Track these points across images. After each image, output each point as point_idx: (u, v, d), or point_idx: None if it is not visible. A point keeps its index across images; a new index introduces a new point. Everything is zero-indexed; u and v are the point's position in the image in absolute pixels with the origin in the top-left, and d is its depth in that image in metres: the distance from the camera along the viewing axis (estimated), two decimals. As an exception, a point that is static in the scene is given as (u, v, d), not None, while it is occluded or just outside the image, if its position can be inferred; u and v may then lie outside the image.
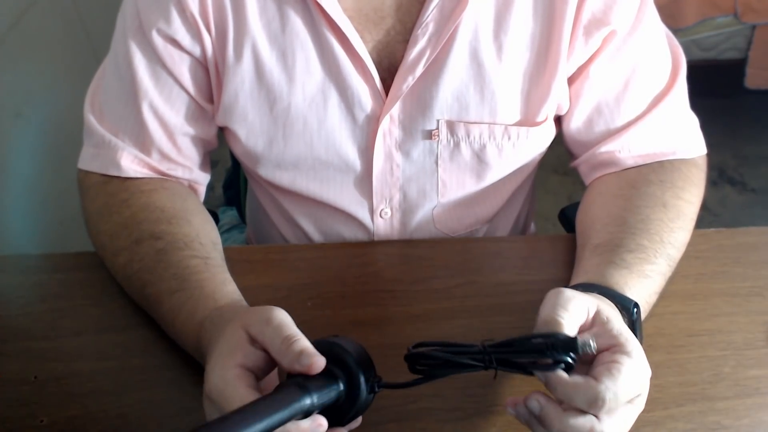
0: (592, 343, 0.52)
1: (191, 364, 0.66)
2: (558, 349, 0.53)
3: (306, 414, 0.51)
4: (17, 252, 1.05)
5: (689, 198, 0.78)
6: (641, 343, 0.60)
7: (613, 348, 0.55)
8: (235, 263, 0.72)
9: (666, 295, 0.71)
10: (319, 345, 0.53)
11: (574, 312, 0.55)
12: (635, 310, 0.64)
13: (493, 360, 0.53)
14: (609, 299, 0.63)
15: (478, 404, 0.64)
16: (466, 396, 0.64)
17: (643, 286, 0.68)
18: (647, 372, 0.55)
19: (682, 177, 0.79)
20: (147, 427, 0.62)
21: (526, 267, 0.80)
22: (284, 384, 0.52)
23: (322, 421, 0.51)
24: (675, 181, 0.78)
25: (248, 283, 0.69)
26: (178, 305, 0.66)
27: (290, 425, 0.50)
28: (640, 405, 0.55)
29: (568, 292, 0.57)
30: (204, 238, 0.73)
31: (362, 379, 0.54)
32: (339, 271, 0.79)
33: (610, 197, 0.79)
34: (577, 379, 0.53)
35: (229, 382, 0.52)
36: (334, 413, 0.54)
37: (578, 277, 0.70)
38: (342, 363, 0.54)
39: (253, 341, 0.55)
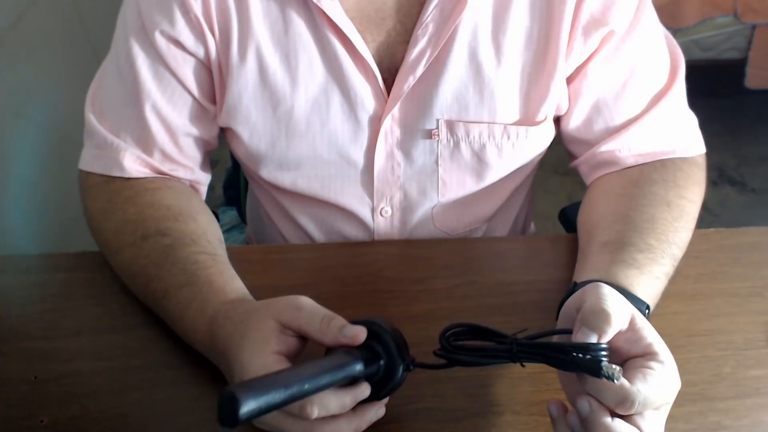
0: (617, 375, 0.52)
1: (191, 363, 0.66)
2: (581, 367, 0.53)
3: (352, 381, 0.54)
4: (17, 252, 1.05)
5: (691, 197, 0.78)
6: None
7: (647, 355, 0.56)
8: (235, 263, 0.72)
9: (666, 295, 0.70)
10: (357, 323, 0.56)
11: (618, 304, 0.56)
12: (647, 311, 0.65)
13: (520, 357, 0.56)
14: None
15: (478, 404, 0.64)
16: (466, 396, 0.64)
17: (652, 287, 0.68)
18: (677, 382, 0.56)
19: (684, 176, 0.79)
20: (147, 427, 0.62)
21: (526, 267, 0.80)
22: (333, 351, 0.55)
23: (366, 387, 0.55)
24: (677, 180, 0.78)
25: (248, 283, 0.69)
26: (186, 300, 0.66)
27: (340, 390, 0.54)
28: (664, 413, 0.56)
29: (607, 288, 0.58)
30: (211, 236, 0.73)
31: (399, 356, 0.56)
32: (339, 271, 0.79)
33: (614, 196, 0.79)
34: None
35: (271, 367, 0.55)
36: (371, 388, 0.56)
37: (585, 274, 0.69)
38: (380, 340, 0.56)
39: (284, 329, 0.57)
